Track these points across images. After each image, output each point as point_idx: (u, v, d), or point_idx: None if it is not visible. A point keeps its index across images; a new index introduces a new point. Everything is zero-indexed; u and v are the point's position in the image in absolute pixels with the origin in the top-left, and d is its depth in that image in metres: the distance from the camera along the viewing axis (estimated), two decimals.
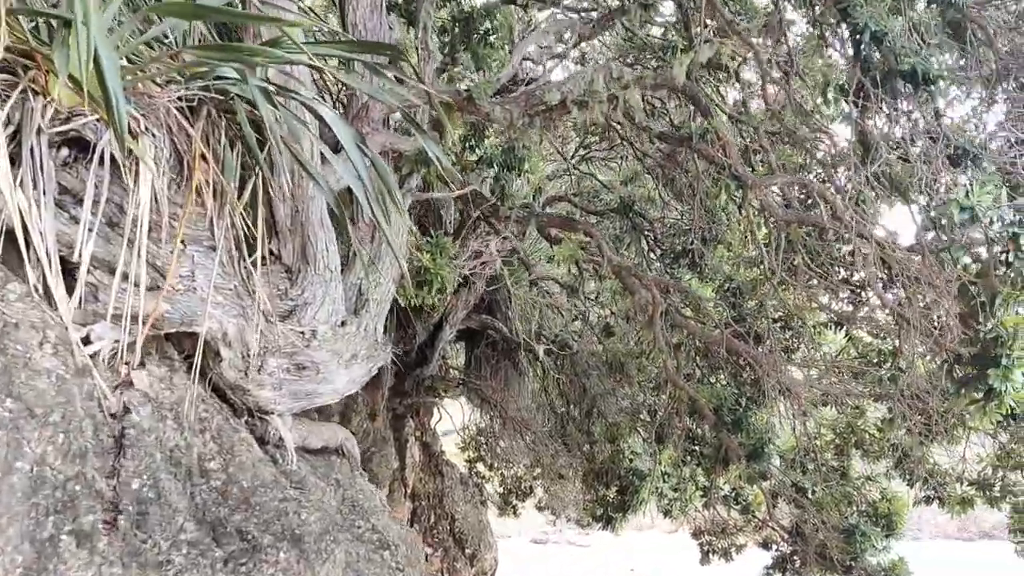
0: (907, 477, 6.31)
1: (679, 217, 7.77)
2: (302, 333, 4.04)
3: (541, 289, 8.38)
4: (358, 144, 3.32)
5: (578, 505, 9.75)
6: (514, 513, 12.63)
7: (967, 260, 3.83)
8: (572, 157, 9.23)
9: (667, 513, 8.54)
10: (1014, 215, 3.66)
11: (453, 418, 11.74)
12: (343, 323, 4.28)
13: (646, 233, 8.54)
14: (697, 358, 6.66)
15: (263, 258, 4.22)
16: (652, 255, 8.29)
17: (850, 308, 6.27)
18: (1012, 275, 3.35)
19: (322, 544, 3.68)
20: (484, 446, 12.25)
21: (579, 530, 39.17)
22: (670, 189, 7.52)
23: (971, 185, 3.70)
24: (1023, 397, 3.51)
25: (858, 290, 6.02)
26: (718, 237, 7.17)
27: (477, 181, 6.42)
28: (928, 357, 4.58)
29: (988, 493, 5.84)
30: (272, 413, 4.04)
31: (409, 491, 9.18)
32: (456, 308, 9.27)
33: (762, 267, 5.90)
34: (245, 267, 3.84)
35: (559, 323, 8.21)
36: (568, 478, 9.43)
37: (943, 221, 3.75)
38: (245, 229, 4.10)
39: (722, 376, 6.58)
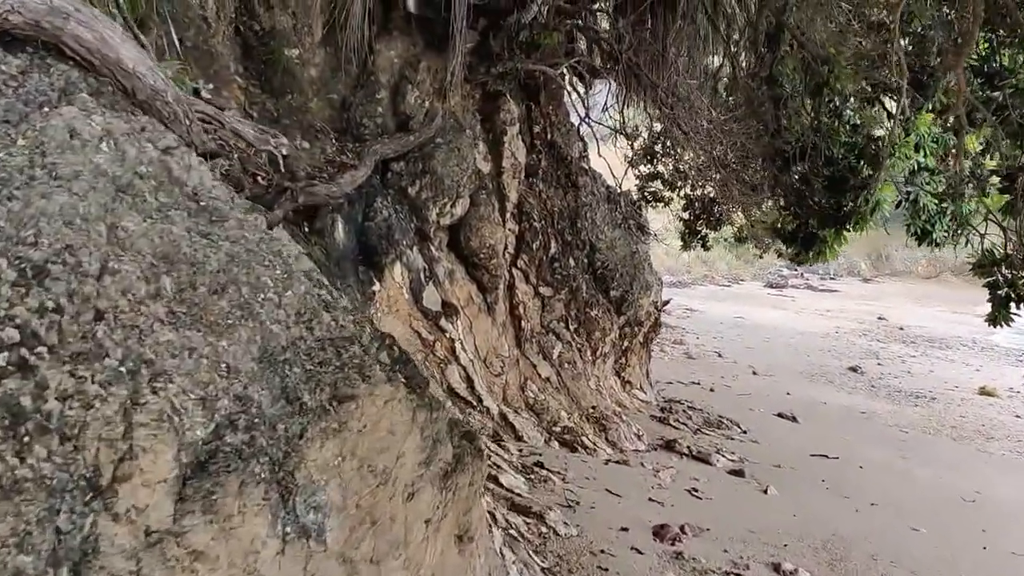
0: None
1: None
2: None
3: None
4: None
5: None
6: (703, 246, 9.30)
7: None
8: None
9: (922, 236, 4.77)
10: None
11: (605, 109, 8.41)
12: None
13: None
14: None
15: None
16: None
17: None
18: None
19: None
20: (658, 154, 8.80)
21: (823, 275, 34.97)
22: None
23: None
24: None
25: None
26: None
27: None
28: None
29: None
30: None
31: (511, 205, 6.21)
32: None
33: None
34: None
35: None
36: (761, 190, 5.84)
37: None
38: None
39: None
